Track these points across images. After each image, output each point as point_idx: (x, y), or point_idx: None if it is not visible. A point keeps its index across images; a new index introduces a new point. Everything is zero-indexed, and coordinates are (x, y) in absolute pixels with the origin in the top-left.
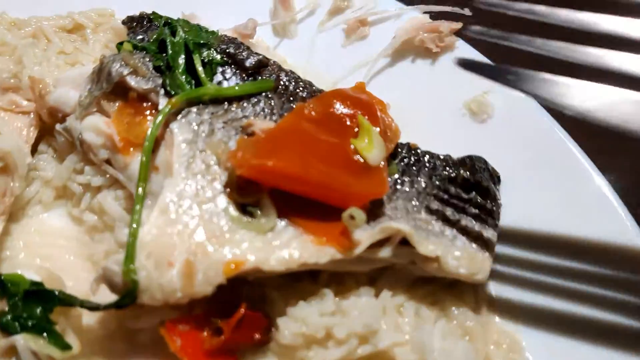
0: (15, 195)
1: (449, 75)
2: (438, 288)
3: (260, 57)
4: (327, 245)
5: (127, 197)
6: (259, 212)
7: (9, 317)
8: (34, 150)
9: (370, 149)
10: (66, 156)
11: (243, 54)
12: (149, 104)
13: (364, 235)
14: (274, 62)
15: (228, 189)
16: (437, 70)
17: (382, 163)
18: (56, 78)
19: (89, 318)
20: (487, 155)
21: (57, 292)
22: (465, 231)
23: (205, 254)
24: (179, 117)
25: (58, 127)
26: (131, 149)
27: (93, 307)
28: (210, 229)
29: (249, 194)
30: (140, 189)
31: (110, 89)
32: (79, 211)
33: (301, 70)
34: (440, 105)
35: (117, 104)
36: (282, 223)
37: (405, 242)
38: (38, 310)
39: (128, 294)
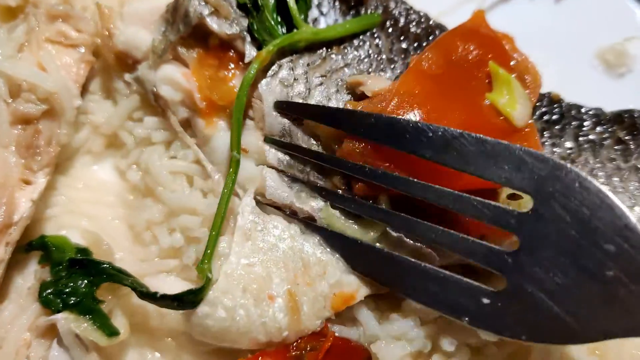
0: (62, 144)
1: (581, 17)
2: None
3: None
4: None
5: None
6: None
7: (50, 291)
8: (84, 91)
9: (514, 104)
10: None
11: None
12: (234, 52)
13: None
14: None
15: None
16: (567, 8)
17: (530, 121)
18: (120, 12)
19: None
20: None
21: (106, 265)
22: None
23: (309, 283)
24: (269, 73)
25: (127, 77)
26: (214, 119)
27: (148, 296)
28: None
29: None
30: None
31: (188, 32)
32: (126, 165)
33: None
34: (567, 55)
35: (196, 52)
36: None
37: None
38: (83, 284)
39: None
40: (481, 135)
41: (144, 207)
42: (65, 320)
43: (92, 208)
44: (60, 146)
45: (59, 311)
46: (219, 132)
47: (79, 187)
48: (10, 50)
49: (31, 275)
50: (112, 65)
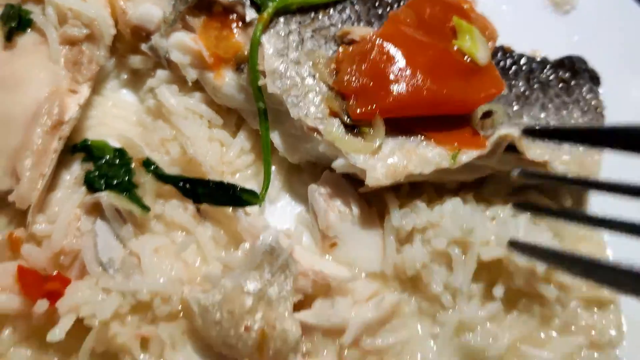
0: (101, 64)
1: None
2: (535, 194)
3: None
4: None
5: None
6: (370, 130)
7: (95, 174)
8: None
9: (476, 47)
10: None
11: None
12: (235, 15)
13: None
14: None
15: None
16: None
17: (491, 61)
18: None
19: None
20: (571, 51)
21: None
22: None
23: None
24: (267, 28)
25: (143, 47)
26: (222, 70)
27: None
28: None
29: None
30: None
31: (194, 2)
32: (143, 92)
33: None
34: None
35: (202, 19)
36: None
37: (510, 148)
38: (122, 171)
39: None
40: None
41: (155, 128)
42: (107, 196)
43: (120, 123)
44: (99, 66)
45: (102, 190)
46: (226, 80)
47: (109, 105)
48: None
49: (76, 172)
50: (128, 39)
